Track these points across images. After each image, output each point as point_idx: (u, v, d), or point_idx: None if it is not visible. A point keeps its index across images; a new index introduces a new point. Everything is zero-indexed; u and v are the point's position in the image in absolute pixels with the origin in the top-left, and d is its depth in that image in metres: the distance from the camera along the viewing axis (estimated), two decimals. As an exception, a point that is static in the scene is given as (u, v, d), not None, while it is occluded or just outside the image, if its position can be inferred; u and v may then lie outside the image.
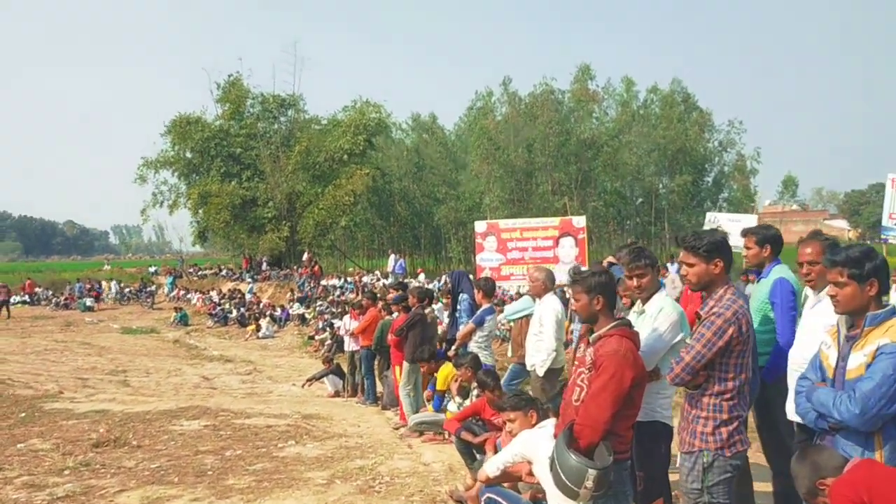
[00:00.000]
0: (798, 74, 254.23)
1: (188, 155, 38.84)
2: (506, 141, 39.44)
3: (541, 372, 6.08)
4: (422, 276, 27.92)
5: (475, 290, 7.53)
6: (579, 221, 19.44)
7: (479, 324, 7.18)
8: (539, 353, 6.08)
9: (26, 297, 39.64)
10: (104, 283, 40.56)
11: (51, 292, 40.37)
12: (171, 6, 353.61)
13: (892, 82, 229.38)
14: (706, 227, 18.58)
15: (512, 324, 7.78)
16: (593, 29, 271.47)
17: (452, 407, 6.73)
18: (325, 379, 12.38)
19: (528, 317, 6.94)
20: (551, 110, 39.42)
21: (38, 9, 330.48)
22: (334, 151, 36.79)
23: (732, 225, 17.91)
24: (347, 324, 11.80)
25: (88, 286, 39.35)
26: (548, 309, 6.13)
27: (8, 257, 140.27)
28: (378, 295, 11.53)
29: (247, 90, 39.60)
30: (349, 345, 11.69)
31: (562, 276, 20.00)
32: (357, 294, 28.89)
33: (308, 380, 12.61)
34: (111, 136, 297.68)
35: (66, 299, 38.02)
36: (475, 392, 6.18)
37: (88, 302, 36.07)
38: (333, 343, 18.99)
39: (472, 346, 7.18)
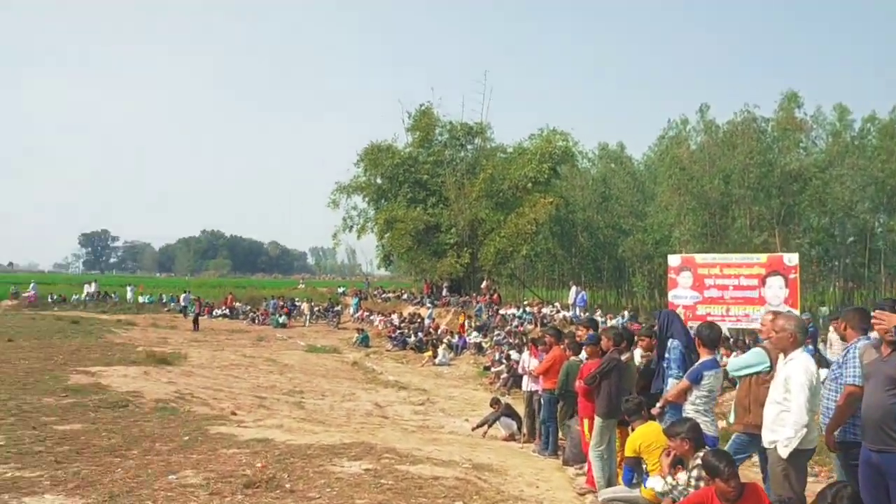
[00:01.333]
0: None
1: (378, 181, 39.96)
2: (700, 171, 36.78)
3: (784, 453, 4.60)
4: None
5: (694, 338, 6.13)
6: (791, 259, 16.98)
7: (696, 381, 5.78)
8: (784, 429, 4.61)
9: (227, 311, 42.49)
10: (304, 304, 42.41)
11: (248, 307, 42.94)
12: (372, 40, 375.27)
13: None
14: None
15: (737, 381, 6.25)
16: (800, 55, 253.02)
17: (656, 485, 5.37)
18: (497, 423, 11.28)
19: (759, 374, 5.49)
20: (752, 139, 36.26)
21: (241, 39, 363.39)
22: (518, 179, 36.18)
23: None
24: (527, 361, 10.68)
25: (282, 303, 41.42)
26: (798, 369, 4.65)
27: (218, 273, 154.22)
28: (563, 331, 10.31)
29: (436, 118, 40.19)
30: (528, 384, 10.55)
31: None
32: (536, 325, 27.76)
33: (478, 426, 11.49)
34: (315, 162, 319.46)
35: (261, 314, 40.22)
36: (694, 473, 4.83)
37: (281, 318, 37.83)
38: (510, 377, 17.98)
39: (688, 409, 5.80)
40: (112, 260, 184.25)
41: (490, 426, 11.32)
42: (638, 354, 7.98)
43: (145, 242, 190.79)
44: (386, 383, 18.13)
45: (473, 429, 11.53)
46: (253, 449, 7.71)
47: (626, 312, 27.43)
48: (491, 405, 11.91)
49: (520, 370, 11.40)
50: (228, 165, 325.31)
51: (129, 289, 48.24)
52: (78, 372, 14.07)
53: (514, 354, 19.19)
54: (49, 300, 44.88)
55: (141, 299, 46.60)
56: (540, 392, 9.64)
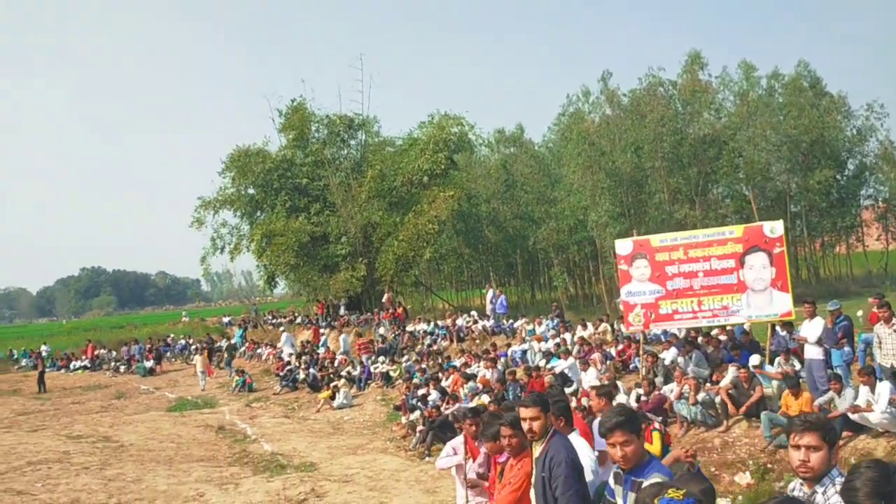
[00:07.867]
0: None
1: (250, 191, 34.43)
2: (609, 145, 33.38)
3: None
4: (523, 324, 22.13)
5: None
6: (774, 229, 13.00)
7: None
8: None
9: (87, 363, 35.88)
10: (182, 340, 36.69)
11: (114, 353, 36.47)
12: (226, 40, 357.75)
13: None
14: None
15: None
16: (701, 17, 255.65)
17: None
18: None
19: None
20: (662, 106, 33.15)
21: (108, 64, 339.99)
22: (412, 173, 31.61)
23: None
24: (461, 456, 6.03)
25: (148, 346, 35.28)
26: None
27: (103, 311, 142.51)
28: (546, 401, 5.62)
29: (311, 114, 34.99)
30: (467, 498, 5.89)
31: (755, 308, 13.30)
32: (452, 341, 23.21)
33: None
34: (189, 178, 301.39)
35: (128, 360, 34.03)
36: None
37: (148, 365, 31.85)
38: (428, 430, 13.32)
39: None
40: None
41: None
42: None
43: (20, 287, 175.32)
44: (258, 460, 13.09)
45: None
46: None
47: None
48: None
49: (453, 467, 6.52)
50: (98, 197, 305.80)
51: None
52: None
53: (431, 394, 14.53)
54: None
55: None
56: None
